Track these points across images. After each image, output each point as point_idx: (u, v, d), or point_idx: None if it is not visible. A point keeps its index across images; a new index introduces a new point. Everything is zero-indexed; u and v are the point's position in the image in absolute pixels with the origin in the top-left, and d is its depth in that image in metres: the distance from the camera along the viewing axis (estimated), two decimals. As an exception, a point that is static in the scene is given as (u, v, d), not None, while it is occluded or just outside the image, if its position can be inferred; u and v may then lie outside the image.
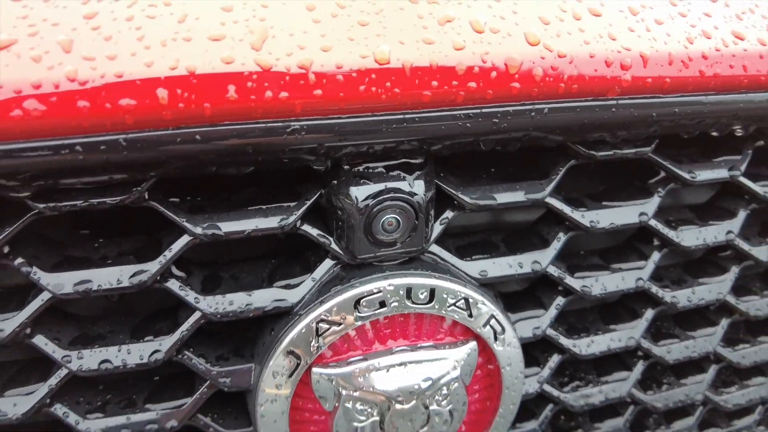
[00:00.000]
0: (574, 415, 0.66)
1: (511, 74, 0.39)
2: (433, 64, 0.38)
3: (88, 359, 0.46)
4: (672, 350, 0.63)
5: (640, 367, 0.63)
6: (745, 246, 0.61)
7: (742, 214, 0.60)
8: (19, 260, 0.44)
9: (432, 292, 0.47)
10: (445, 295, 0.47)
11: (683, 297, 0.60)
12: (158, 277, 0.45)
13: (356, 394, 0.47)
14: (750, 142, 0.58)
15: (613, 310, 0.62)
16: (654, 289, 0.58)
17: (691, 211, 0.62)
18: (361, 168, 0.44)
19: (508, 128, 0.42)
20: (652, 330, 0.65)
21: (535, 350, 0.59)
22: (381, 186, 0.45)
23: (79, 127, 0.35)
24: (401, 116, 0.39)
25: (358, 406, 0.47)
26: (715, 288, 0.62)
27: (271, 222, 0.46)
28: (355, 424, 0.48)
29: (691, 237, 0.57)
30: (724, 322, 0.66)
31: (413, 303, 0.47)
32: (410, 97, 0.38)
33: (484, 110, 0.40)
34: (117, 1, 0.37)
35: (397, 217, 0.45)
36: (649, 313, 0.60)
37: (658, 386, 0.68)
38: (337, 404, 0.47)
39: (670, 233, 0.56)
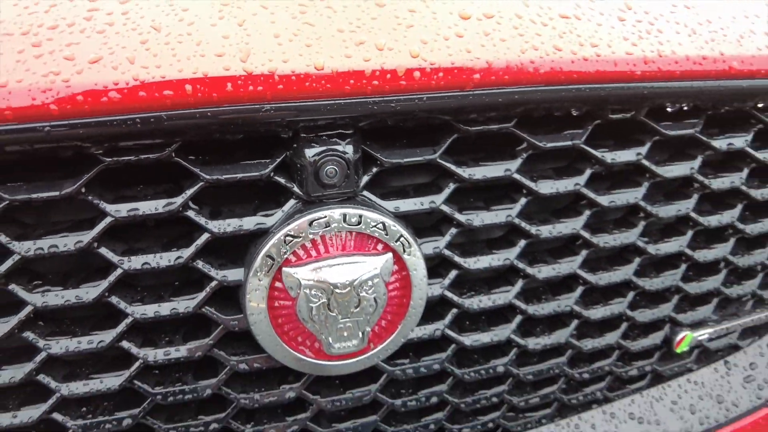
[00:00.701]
0: (475, 320, 0.92)
1: (400, 76, 0.64)
2: (350, 70, 0.63)
3: (134, 262, 0.70)
4: (542, 270, 0.89)
5: (520, 282, 0.88)
6: (591, 194, 0.87)
7: (587, 171, 0.86)
8: (91, 197, 0.68)
9: (360, 218, 0.72)
10: (369, 220, 0.72)
11: (545, 230, 0.85)
12: (181, 208, 0.69)
13: (311, 284, 0.71)
14: (590, 120, 0.83)
15: (497, 241, 0.87)
16: (523, 224, 0.84)
17: (552, 171, 0.87)
18: (311, 136, 0.69)
19: (401, 111, 0.67)
20: (529, 257, 0.90)
21: (439, 268, 0.84)
22: (324, 147, 0.69)
23: (139, 107, 0.59)
24: (332, 102, 0.64)
25: (313, 292, 0.72)
26: (570, 224, 0.87)
27: (254, 172, 0.70)
28: (311, 305, 0.72)
29: (547, 186, 0.83)
30: (584, 252, 0.91)
31: (348, 224, 0.71)
32: (337, 90, 0.63)
33: (384, 98, 0.65)
34: (159, 32, 0.61)
35: (336, 168, 0.70)
36: (522, 242, 0.85)
37: (538, 300, 0.93)
38: (299, 292, 0.72)
39: (531, 183, 0.82)
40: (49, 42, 0.59)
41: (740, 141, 0.95)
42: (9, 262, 0.67)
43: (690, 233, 0.98)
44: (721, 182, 0.96)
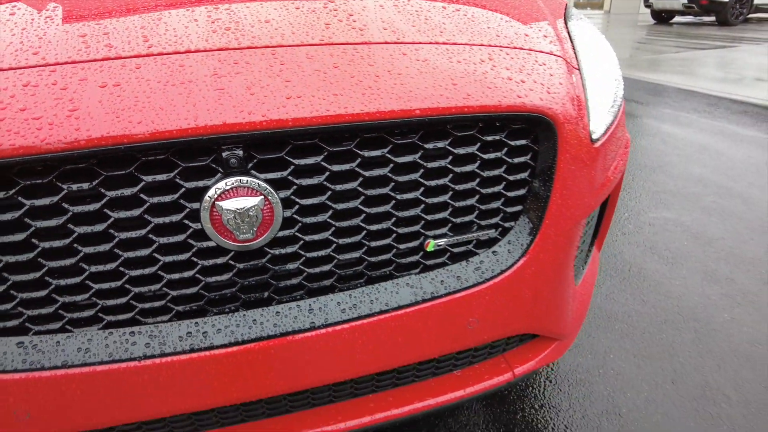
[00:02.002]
0: (312, 228, 1.95)
1: (257, 123, 1.66)
2: (235, 122, 1.64)
3: (156, 200, 1.71)
4: (340, 206, 1.92)
5: (330, 211, 1.91)
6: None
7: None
8: (138, 174, 1.68)
9: (248, 180, 1.73)
10: (252, 182, 1.73)
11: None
12: (175, 177, 1.70)
13: (228, 208, 1.73)
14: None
15: (323, 191, 1.90)
16: (328, 185, 1.86)
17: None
18: (225, 146, 1.69)
19: (258, 136, 1.68)
20: (336, 199, 1.93)
21: (291, 204, 1.86)
22: (231, 152, 1.70)
23: (186, 136, 1.60)
24: (231, 134, 1.65)
25: (229, 212, 1.73)
26: (352, 185, 1.90)
27: (202, 162, 1.71)
28: (228, 218, 1.73)
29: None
30: (362, 197, 1.94)
31: (242, 184, 1.72)
32: (233, 129, 1.64)
33: (251, 132, 1.66)
34: (166, 111, 1.62)
35: (236, 160, 1.71)
36: (329, 192, 1.88)
37: (343, 220, 1.96)
38: (222, 211, 1.74)
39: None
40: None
41: (441, 144, 1.98)
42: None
43: (422, 189, 2.02)
44: (433, 164, 1.99)
